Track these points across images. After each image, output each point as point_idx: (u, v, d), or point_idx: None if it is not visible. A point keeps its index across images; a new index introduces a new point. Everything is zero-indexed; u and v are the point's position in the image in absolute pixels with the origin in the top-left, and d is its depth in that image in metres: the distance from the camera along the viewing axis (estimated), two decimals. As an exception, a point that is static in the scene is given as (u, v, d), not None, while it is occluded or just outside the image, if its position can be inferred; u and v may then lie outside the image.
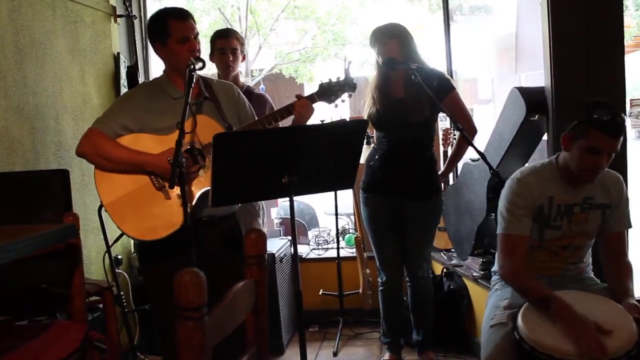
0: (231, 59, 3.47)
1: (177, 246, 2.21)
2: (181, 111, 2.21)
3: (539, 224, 2.37)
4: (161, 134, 2.40)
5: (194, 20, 2.49)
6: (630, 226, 2.45)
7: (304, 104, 2.51)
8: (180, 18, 2.42)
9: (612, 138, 2.19)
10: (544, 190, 2.35)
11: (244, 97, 2.70)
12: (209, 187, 2.17)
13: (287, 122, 2.60)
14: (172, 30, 2.41)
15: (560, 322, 2.05)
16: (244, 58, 3.63)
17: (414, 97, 3.14)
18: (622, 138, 2.23)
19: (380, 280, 3.47)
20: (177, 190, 2.27)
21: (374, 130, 3.35)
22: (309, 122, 2.56)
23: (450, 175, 4.19)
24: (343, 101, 2.61)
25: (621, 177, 2.44)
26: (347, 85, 2.56)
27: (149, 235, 2.37)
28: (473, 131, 3.23)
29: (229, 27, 11.83)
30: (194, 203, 2.37)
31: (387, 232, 3.35)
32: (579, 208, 2.36)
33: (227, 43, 3.48)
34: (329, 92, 2.56)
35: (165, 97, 2.48)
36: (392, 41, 3.13)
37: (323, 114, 3.46)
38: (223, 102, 2.56)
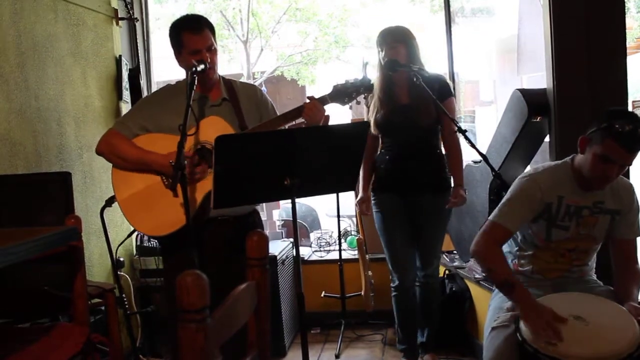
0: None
1: (195, 243, 2.23)
2: (198, 112, 2.29)
3: (547, 222, 2.36)
4: (176, 134, 2.41)
5: (212, 30, 2.53)
6: (639, 234, 2.44)
7: (314, 105, 2.48)
8: (192, 31, 2.47)
9: (626, 151, 2.14)
10: (554, 188, 2.34)
11: (267, 98, 2.72)
12: None
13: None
14: (185, 42, 2.47)
15: (519, 306, 2.16)
16: None
17: (421, 101, 3.14)
18: (637, 153, 2.17)
19: (392, 285, 3.44)
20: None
21: (380, 135, 3.33)
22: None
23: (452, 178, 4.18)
24: (358, 103, 2.60)
25: (632, 185, 2.42)
26: (363, 86, 2.52)
27: (157, 231, 2.44)
28: (457, 142, 3.29)
29: (231, 29, 11.87)
30: (202, 202, 2.39)
31: (399, 233, 3.32)
32: (588, 211, 2.34)
33: None
34: (343, 93, 2.52)
35: (183, 98, 2.49)
36: (401, 46, 3.14)
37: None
38: (244, 105, 2.58)
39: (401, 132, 3.23)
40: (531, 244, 2.43)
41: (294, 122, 2.55)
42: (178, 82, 2.64)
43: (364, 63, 2.60)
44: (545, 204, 2.34)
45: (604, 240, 2.42)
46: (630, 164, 2.21)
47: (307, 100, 2.51)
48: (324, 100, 2.52)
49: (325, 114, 2.64)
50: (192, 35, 2.47)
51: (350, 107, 2.55)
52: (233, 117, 2.52)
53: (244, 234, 2.55)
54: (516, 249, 2.50)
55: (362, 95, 2.57)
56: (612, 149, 2.14)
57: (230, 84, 2.63)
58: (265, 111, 2.65)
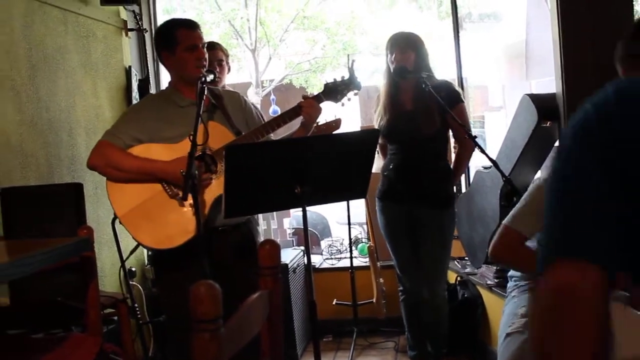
0: (217, 70, 3.48)
1: (192, 255, 2.22)
2: (189, 119, 2.23)
3: None
4: (171, 143, 2.41)
5: (201, 32, 2.52)
6: None
7: (311, 104, 2.50)
8: (188, 27, 2.46)
9: None
10: None
11: (250, 104, 2.72)
12: (222, 193, 2.18)
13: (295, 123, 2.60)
14: (180, 38, 2.43)
15: None
16: (229, 70, 3.65)
17: (424, 109, 3.14)
18: None
19: (400, 289, 3.45)
20: (190, 197, 2.28)
21: (386, 142, 3.33)
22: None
23: (463, 183, 4.16)
24: (349, 99, 2.62)
25: None
26: (352, 84, 2.55)
27: (165, 243, 2.36)
28: (471, 147, 3.21)
29: (239, 38, 11.93)
30: (207, 210, 2.38)
31: (403, 238, 3.33)
32: None
33: (212, 55, 3.47)
34: (334, 91, 2.55)
35: (172, 106, 2.50)
36: (411, 52, 3.16)
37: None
38: (230, 110, 2.58)
39: (404, 139, 3.22)
40: None
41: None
42: (162, 91, 2.64)
43: (351, 61, 2.62)
44: None
45: None
46: None
47: (302, 100, 2.52)
48: (318, 98, 2.54)
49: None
50: (188, 30, 2.44)
51: (343, 105, 2.59)
52: (225, 122, 2.51)
53: (245, 242, 2.58)
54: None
55: (353, 92, 2.58)
56: None
57: (213, 91, 2.61)
58: (251, 119, 2.64)
